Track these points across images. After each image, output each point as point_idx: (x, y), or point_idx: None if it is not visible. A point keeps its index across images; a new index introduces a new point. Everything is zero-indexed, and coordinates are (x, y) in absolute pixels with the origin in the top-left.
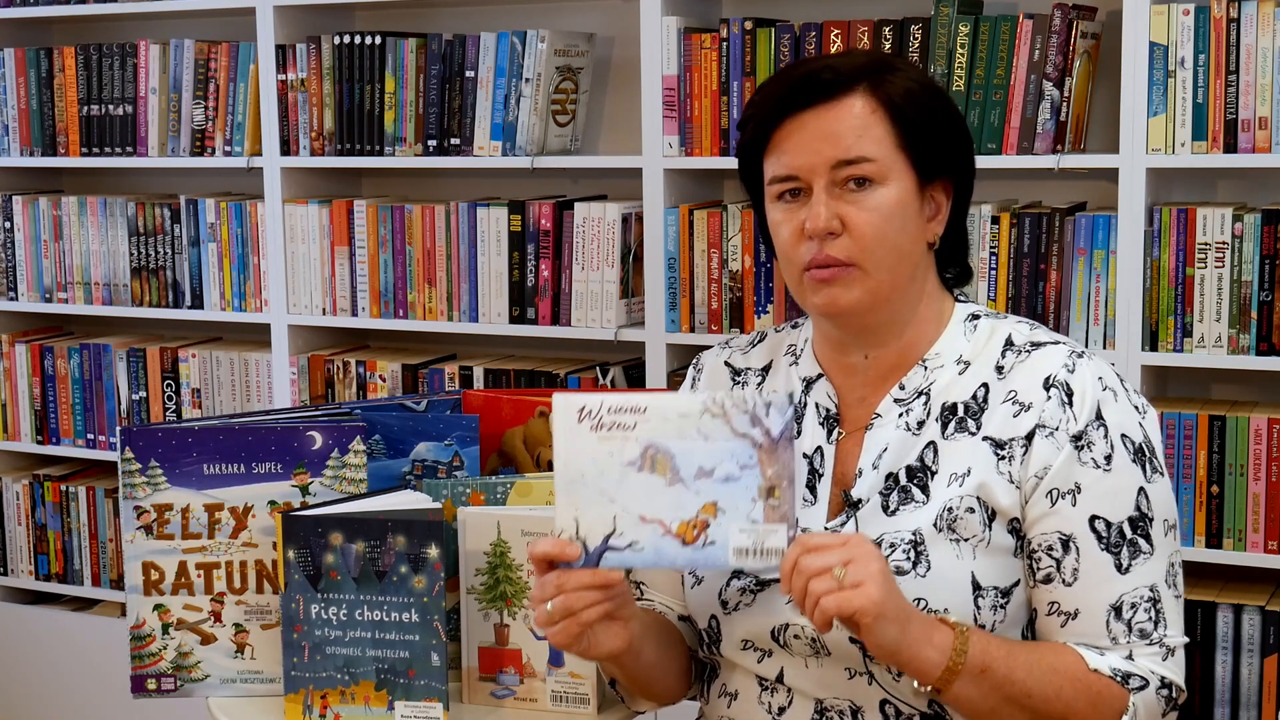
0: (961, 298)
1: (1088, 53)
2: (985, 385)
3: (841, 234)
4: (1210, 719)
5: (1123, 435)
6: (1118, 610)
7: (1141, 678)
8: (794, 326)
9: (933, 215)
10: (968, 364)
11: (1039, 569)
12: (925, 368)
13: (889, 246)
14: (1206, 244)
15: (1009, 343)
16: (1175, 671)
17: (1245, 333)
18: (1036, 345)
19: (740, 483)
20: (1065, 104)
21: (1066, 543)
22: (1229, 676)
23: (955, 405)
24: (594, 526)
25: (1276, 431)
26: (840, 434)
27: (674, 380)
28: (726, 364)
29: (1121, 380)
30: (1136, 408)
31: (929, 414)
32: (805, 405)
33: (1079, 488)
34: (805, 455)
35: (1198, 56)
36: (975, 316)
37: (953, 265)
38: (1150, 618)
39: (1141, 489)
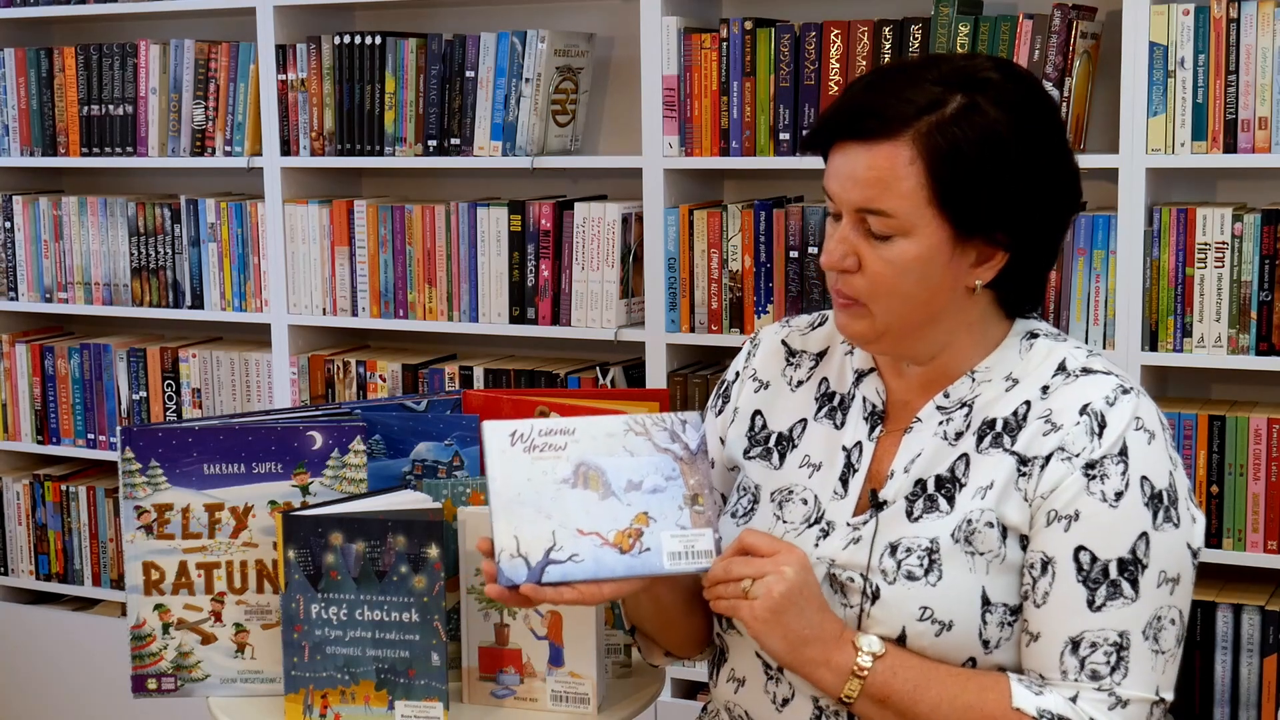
0: (1032, 312)
1: (1087, 53)
2: (1027, 403)
3: (856, 272)
4: (1210, 719)
5: (1143, 477)
6: (1075, 645)
7: None
8: None
9: (981, 261)
10: (1016, 381)
11: (1021, 584)
12: (974, 380)
13: (901, 297)
14: (1206, 244)
15: (1062, 366)
16: None
17: (1245, 333)
18: (1088, 372)
19: (667, 493)
20: (1065, 104)
21: (1046, 565)
22: (1229, 676)
23: (994, 420)
24: (534, 543)
25: (1276, 431)
26: (881, 431)
27: (674, 380)
28: (784, 343)
29: (1164, 427)
30: (1171, 457)
31: (968, 426)
32: (853, 398)
33: (1077, 515)
34: (844, 448)
35: (1198, 56)
36: (1034, 335)
37: (1025, 300)
38: (1108, 662)
39: (1144, 534)
